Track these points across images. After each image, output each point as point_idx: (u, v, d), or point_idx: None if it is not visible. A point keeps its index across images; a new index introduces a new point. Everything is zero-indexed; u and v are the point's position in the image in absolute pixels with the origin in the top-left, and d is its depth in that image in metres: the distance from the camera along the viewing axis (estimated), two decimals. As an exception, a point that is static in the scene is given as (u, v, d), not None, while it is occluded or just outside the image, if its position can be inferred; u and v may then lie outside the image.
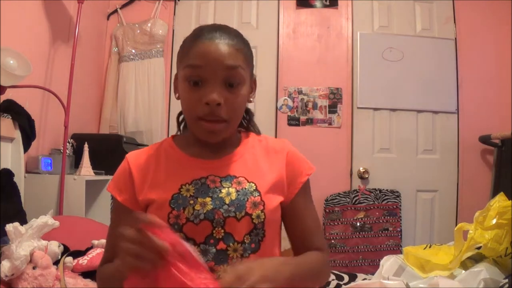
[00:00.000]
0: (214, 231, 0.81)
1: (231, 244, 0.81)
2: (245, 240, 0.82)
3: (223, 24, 0.90)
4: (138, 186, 0.87)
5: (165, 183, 0.85)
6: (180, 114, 0.97)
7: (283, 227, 0.93)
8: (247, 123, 0.98)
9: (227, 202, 0.82)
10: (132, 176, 0.88)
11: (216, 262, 0.80)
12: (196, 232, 0.81)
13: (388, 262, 1.70)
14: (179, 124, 0.99)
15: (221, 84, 0.81)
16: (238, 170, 0.87)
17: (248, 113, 0.97)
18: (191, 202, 0.82)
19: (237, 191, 0.84)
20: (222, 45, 0.81)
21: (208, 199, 0.82)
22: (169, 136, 0.98)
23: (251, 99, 0.92)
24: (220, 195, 0.83)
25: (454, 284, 1.41)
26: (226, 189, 0.84)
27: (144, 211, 0.85)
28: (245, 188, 0.85)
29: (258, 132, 0.98)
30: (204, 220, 0.81)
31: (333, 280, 1.99)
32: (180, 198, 0.82)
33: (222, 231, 0.81)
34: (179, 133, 0.99)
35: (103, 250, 1.54)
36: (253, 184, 0.86)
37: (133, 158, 0.90)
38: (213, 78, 0.81)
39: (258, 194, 0.84)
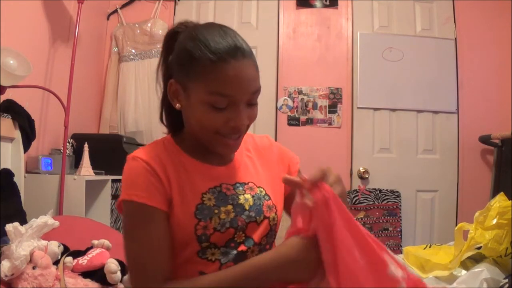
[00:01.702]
0: (235, 236, 0.82)
1: (251, 247, 0.83)
2: (262, 242, 0.85)
3: (226, 27, 0.83)
4: (167, 185, 0.80)
5: (184, 190, 0.81)
6: (162, 115, 0.92)
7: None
8: None
9: (247, 208, 0.84)
10: (158, 177, 0.79)
11: (236, 263, 0.80)
12: (220, 239, 0.81)
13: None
14: (170, 126, 0.93)
15: (246, 106, 0.80)
16: (244, 176, 0.89)
17: None
18: (216, 211, 0.81)
19: (252, 196, 0.86)
20: (247, 68, 0.78)
21: (230, 207, 0.83)
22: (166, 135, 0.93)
23: None
24: (239, 202, 0.84)
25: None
26: (242, 195, 0.85)
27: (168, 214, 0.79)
28: (257, 193, 0.87)
29: None
30: (229, 228, 0.81)
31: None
32: (205, 208, 0.80)
33: (243, 235, 0.83)
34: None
35: (103, 250, 1.55)
36: (262, 189, 0.89)
37: (144, 156, 0.81)
38: (240, 103, 0.79)
39: (268, 198, 0.88)
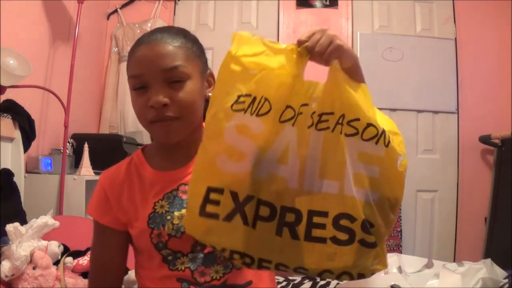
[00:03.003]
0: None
1: None
2: None
3: (181, 27, 0.89)
4: (116, 209, 0.87)
5: (138, 204, 0.85)
6: None
7: None
8: None
9: None
10: (108, 199, 0.87)
11: (206, 265, 0.82)
12: (181, 245, 0.82)
13: (390, 259, 1.70)
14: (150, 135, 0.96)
15: (163, 85, 0.79)
16: None
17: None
18: (168, 217, 0.82)
19: None
20: (158, 47, 0.80)
21: (183, 211, 0.82)
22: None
23: (209, 94, 0.88)
24: None
25: (454, 279, 1.42)
26: None
27: (126, 235, 0.88)
28: None
29: None
30: (185, 232, 0.80)
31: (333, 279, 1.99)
32: (157, 216, 0.82)
33: None
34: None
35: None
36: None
37: (107, 181, 0.89)
38: (154, 82, 0.79)
39: None
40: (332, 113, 0.68)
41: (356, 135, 0.67)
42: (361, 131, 0.68)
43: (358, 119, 0.68)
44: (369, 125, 0.68)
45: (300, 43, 0.71)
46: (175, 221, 0.81)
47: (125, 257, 0.92)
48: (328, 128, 0.67)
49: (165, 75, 0.79)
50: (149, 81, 0.80)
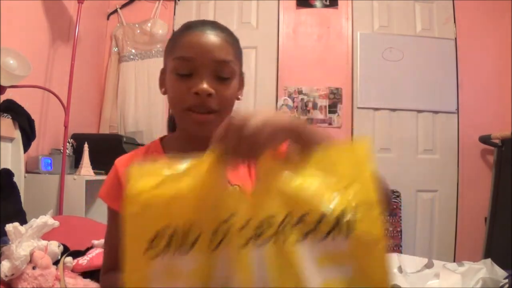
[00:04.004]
0: None
1: None
2: None
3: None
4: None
5: None
6: (172, 118, 0.94)
7: None
8: None
9: None
10: (121, 185, 0.86)
11: None
12: None
13: (390, 259, 1.69)
14: (168, 124, 0.96)
15: (211, 76, 0.79)
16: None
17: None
18: None
19: None
20: (214, 37, 0.79)
21: None
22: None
23: (239, 96, 0.89)
24: None
25: (454, 279, 1.42)
26: None
27: None
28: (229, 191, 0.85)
29: None
30: None
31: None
32: None
33: None
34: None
35: (103, 250, 1.54)
36: (236, 187, 0.85)
37: (121, 166, 0.88)
38: (203, 70, 0.78)
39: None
40: (272, 217, 0.53)
41: (309, 236, 0.52)
42: (314, 227, 0.52)
43: (306, 214, 0.52)
44: (323, 216, 0.52)
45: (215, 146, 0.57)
46: None
47: None
48: (270, 239, 0.52)
49: (216, 67, 0.79)
50: (199, 67, 0.78)
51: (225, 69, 0.80)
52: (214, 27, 0.81)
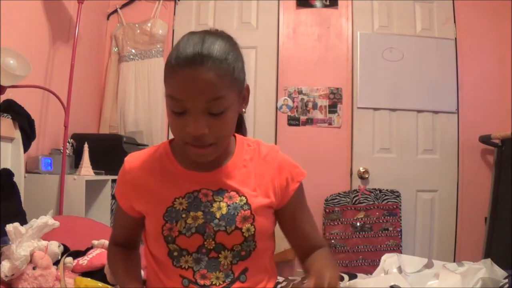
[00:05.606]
0: (205, 243, 0.84)
1: (222, 252, 0.85)
2: (236, 249, 0.85)
3: (213, 30, 0.85)
4: (134, 196, 0.91)
5: (159, 194, 0.88)
6: None
7: (277, 227, 0.96)
8: (238, 127, 0.96)
9: (217, 216, 0.85)
10: (129, 183, 0.91)
11: (209, 270, 0.84)
12: (188, 244, 0.84)
13: (390, 259, 1.70)
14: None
15: (204, 113, 0.78)
16: (230, 183, 0.88)
17: (239, 119, 0.93)
18: (183, 215, 0.85)
19: (228, 205, 0.86)
20: (204, 74, 0.75)
21: (199, 213, 0.85)
22: (169, 138, 0.98)
23: (244, 110, 0.89)
24: (211, 210, 0.85)
25: (454, 279, 1.42)
26: (218, 203, 0.86)
27: (141, 219, 0.92)
28: (236, 203, 0.86)
29: (245, 134, 0.99)
30: (195, 233, 0.84)
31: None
32: (173, 212, 0.85)
33: (213, 242, 0.84)
34: None
35: (103, 250, 1.55)
36: (244, 198, 0.87)
37: (131, 164, 0.93)
38: (195, 110, 0.78)
39: (248, 207, 0.86)
40: None
41: None
42: None
43: None
44: None
45: None
46: (189, 221, 0.84)
47: (140, 234, 0.98)
48: None
49: (208, 105, 0.78)
50: (190, 108, 0.78)
51: (218, 105, 0.78)
52: (207, 58, 0.76)
